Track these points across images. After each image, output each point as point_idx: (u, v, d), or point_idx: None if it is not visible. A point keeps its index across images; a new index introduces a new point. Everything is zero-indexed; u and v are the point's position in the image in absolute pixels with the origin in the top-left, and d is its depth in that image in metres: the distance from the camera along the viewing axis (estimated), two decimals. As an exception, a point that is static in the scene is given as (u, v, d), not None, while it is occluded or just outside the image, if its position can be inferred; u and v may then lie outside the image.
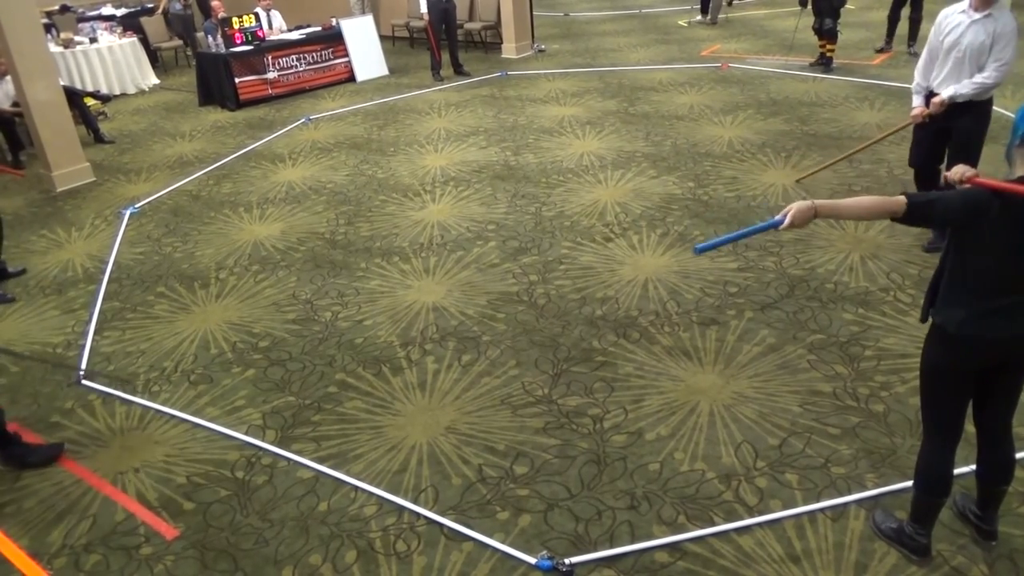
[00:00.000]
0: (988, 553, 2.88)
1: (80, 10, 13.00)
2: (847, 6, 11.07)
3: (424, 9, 10.23)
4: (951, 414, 2.67)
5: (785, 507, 3.17)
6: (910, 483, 2.85)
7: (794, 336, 4.28)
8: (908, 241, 5.15)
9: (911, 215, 2.41)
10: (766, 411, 3.72)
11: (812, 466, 3.37)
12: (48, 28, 10.98)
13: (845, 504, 3.16)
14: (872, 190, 5.95)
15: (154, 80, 11.73)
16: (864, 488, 3.23)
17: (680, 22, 13.28)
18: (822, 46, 9.45)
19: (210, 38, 10.15)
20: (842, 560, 2.91)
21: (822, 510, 3.14)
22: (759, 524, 3.10)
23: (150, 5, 13.38)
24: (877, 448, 3.44)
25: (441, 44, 10.54)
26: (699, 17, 13.05)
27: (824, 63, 9.45)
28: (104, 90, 10.61)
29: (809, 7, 9.46)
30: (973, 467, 2.86)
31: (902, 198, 2.40)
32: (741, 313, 4.53)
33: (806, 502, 3.19)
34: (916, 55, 9.49)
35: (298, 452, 3.70)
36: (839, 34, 9.42)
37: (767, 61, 10.20)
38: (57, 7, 12.80)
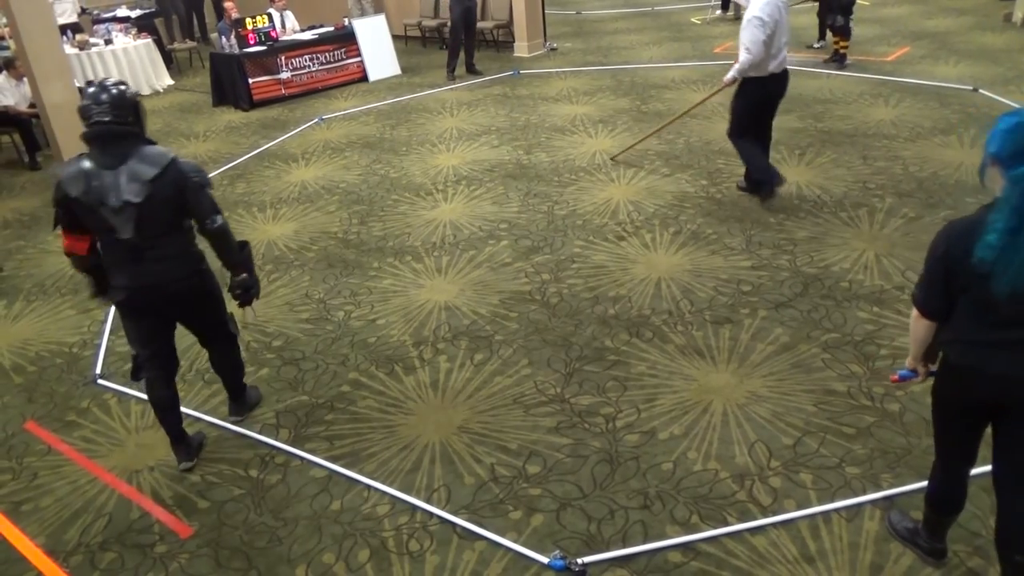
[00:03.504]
0: (1005, 554, 2.85)
1: (95, 12, 13.10)
2: (861, 2, 10.98)
3: (447, 8, 10.10)
4: (958, 444, 2.60)
5: (799, 507, 3.15)
6: (925, 483, 2.82)
7: (808, 335, 4.26)
8: (925, 239, 5.09)
9: (921, 303, 2.46)
10: (780, 410, 3.70)
11: (826, 466, 3.35)
12: (63, 30, 11.05)
13: (860, 504, 3.14)
14: (887, 187, 5.91)
15: (168, 81, 11.80)
16: (879, 488, 3.20)
17: (693, 19, 13.22)
18: (836, 43, 9.39)
19: (223, 39, 10.20)
20: (857, 561, 2.89)
21: (837, 510, 3.12)
22: (773, 524, 3.09)
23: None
24: (892, 448, 3.41)
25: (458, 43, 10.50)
26: (719, 12, 12.84)
27: (838, 60, 9.39)
28: (119, 91, 10.67)
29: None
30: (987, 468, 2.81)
31: (914, 310, 2.49)
32: (755, 312, 4.51)
33: (820, 502, 3.17)
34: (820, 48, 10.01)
35: (311, 451, 3.71)
36: (851, 30, 9.35)
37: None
38: (73, 9, 12.88)
